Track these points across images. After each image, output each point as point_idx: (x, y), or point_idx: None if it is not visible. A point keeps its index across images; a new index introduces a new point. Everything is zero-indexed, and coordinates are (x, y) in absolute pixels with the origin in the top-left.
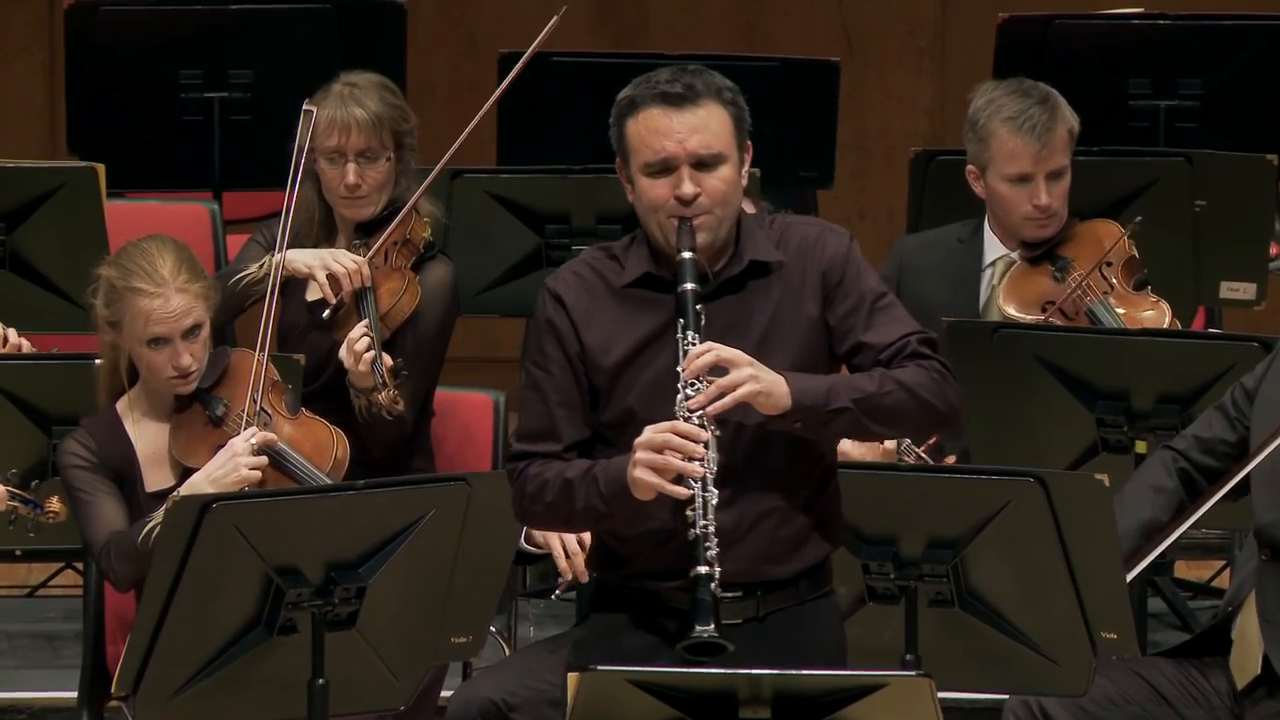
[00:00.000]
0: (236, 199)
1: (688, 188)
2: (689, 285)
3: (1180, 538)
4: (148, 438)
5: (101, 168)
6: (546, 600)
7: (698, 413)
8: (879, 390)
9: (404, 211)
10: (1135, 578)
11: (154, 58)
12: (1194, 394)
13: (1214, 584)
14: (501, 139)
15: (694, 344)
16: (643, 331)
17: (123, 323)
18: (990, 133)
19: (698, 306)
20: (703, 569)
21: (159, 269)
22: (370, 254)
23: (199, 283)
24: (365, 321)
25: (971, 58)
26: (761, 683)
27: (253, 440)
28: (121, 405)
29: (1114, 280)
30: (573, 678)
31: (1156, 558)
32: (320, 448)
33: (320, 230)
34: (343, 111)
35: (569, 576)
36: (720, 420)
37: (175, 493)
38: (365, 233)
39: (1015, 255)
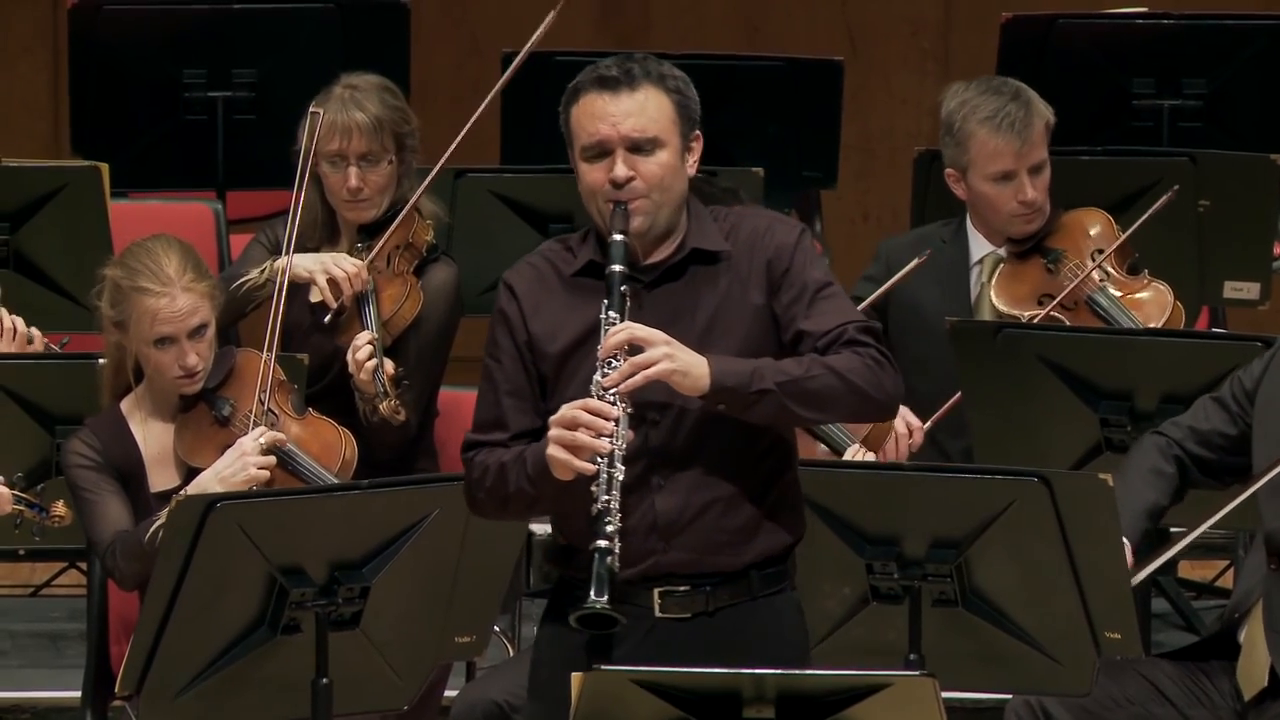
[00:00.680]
0: (240, 198)
1: (620, 170)
2: (616, 267)
3: (1180, 535)
4: (153, 438)
5: (105, 167)
6: None
7: (611, 390)
8: (805, 374)
9: (403, 213)
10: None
11: (157, 57)
12: (1198, 393)
13: (1218, 584)
14: (505, 139)
15: (615, 324)
16: (588, 320)
17: (129, 322)
18: (969, 134)
19: (623, 288)
20: (602, 543)
21: (165, 268)
22: (371, 257)
23: (204, 282)
24: (368, 330)
25: (975, 58)
26: (765, 682)
27: (261, 440)
28: (126, 405)
29: (1109, 267)
30: (577, 677)
31: (1162, 564)
32: (328, 448)
33: (323, 232)
34: (344, 115)
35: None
36: (661, 406)
37: (182, 492)
38: (368, 235)
39: (1001, 252)
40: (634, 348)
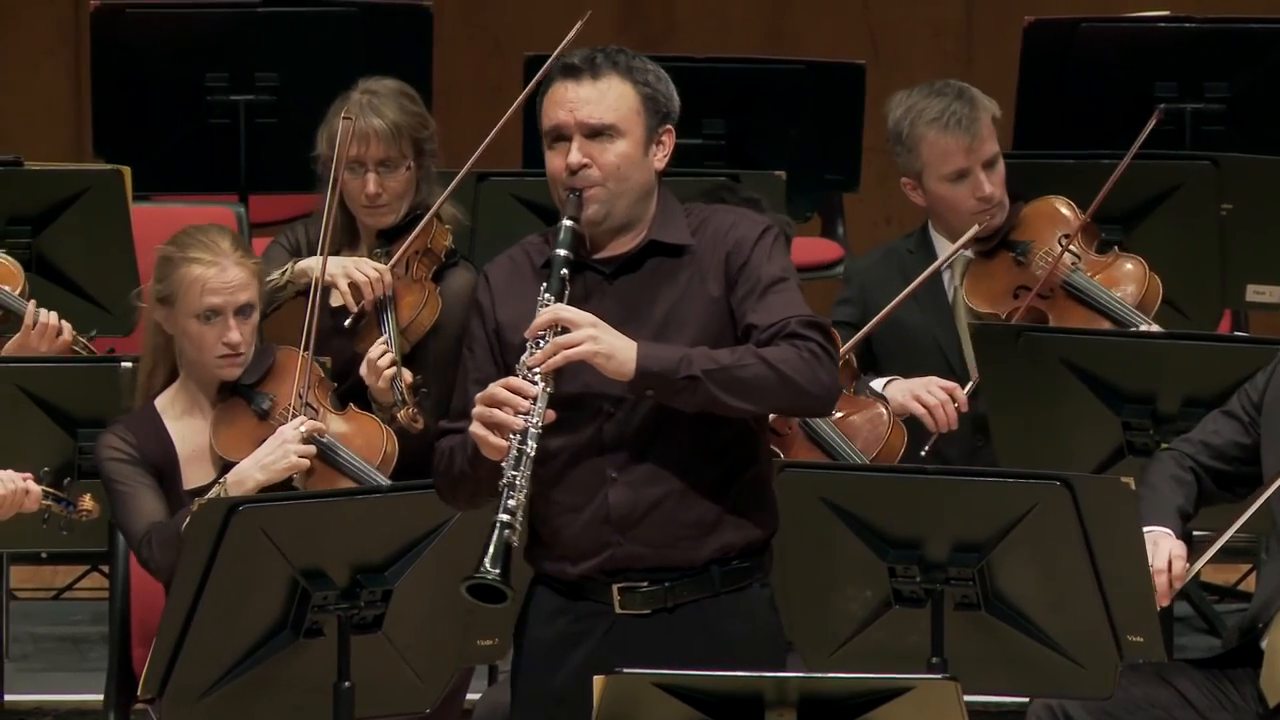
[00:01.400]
0: (262, 202)
1: (574, 156)
2: (561, 251)
3: (1207, 541)
4: (187, 434)
5: (127, 170)
6: None
7: (532, 369)
8: (735, 362)
9: (424, 220)
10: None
11: (180, 60)
12: (1220, 397)
13: (1240, 587)
14: (527, 142)
15: (548, 305)
16: None
17: (176, 294)
18: (918, 138)
19: (564, 272)
20: (504, 516)
21: (218, 243)
22: (391, 263)
23: (254, 262)
24: (385, 337)
25: (998, 61)
26: (787, 685)
27: (302, 428)
28: (160, 402)
29: (1077, 249)
30: (598, 680)
31: (1190, 550)
32: (370, 442)
33: (343, 237)
34: (361, 121)
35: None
36: (617, 399)
37: (222, 479)
38: (387, 240)
39: (969, 253)
40: (563, 329)
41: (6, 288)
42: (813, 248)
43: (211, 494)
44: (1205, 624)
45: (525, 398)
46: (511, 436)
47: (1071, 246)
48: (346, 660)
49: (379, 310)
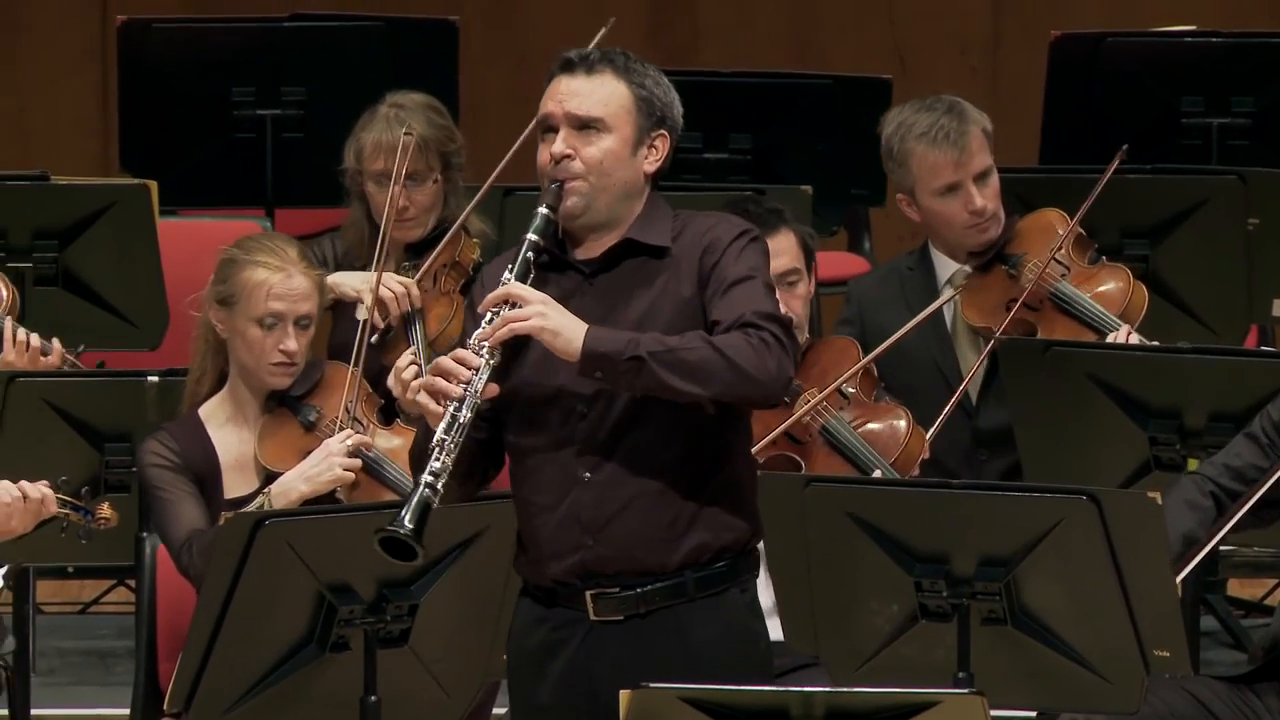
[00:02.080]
0: (289, 216)
1: (557, 146)
2: (530, 236)
3: (1233, 556)
4: (230, 444)
5: (154, 185)
6: None
7: (479, 341)
8: (681, 345)
9: (451, 233)
10: (1187, 595)
11: (207, 75)
12: (1247, 412)
13: (1266, 601)
14: None
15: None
16: None
17: (237, 296)
18: (908, 153)
19: (530, 255)
20: (427, 476)
21: (286, 250)
22: (419, 276)
23: (318, 274)
24: (413, 349)
25: (1024, 76)
26: (813, 700)
27: (348, 442)
28: (204, 411)
29: (1064, 260)
30: (625, 695)
31: (1203, 559)
32: None
33: (370, 251)
34: (389, 135)
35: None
36: (590, 399)
37: (266, 490)
38: (415, 253)
39: (966, 268)
40: (515, 305)
41: None
42: (839, 262)
43: (255, 504)
44: (1231, 639)
45: (468, 368)
46: (449, 403)
47: (1060, 257)
48: (373, 674)
49: (407, 323)
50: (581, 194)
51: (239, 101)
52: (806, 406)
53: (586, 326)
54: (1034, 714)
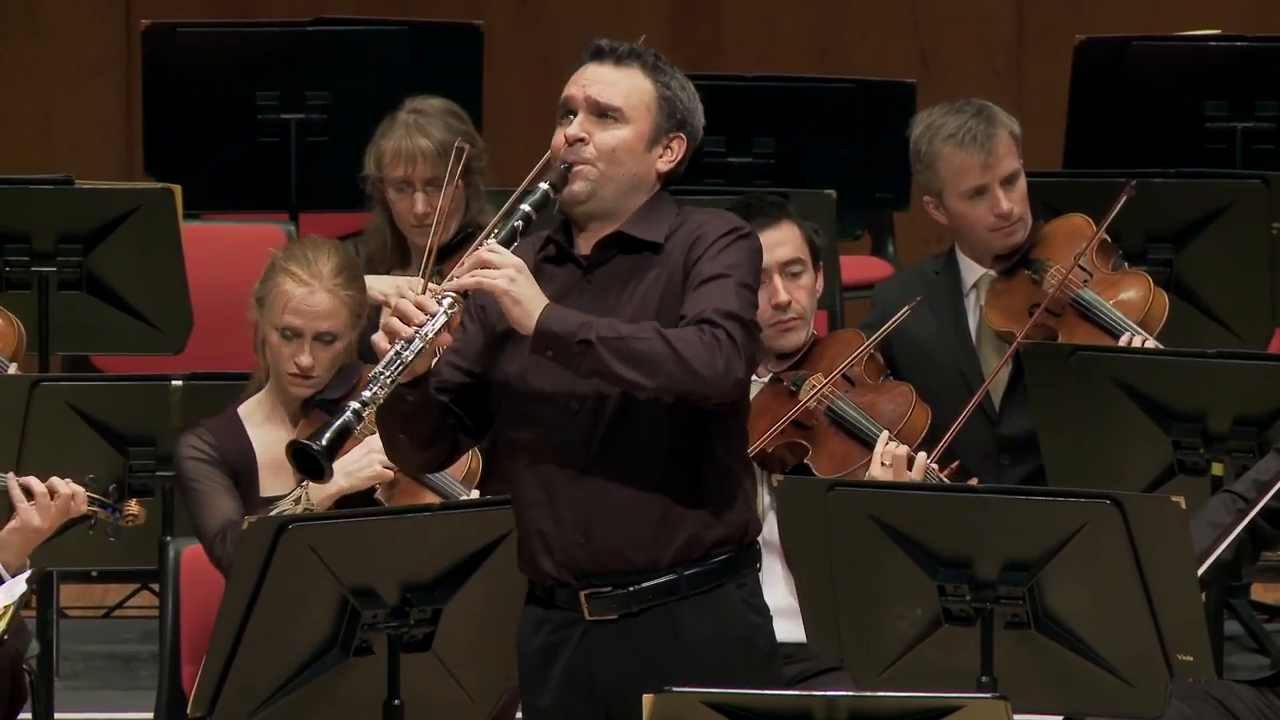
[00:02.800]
0: (313, 220)
1: (573, 128)
2: (524, 206)
3: (1260, 562)
4: (268, 442)
5: (178, 189)
6: None
7: (444, 289)
8: (633, 334)
9: (480, 240)
10: (1211, 600)
11: (231, 79)
12: (1271, 416)
13: None
14: None
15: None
16: None
17: (267, 299)
18: (935, 156)
19: (517, 223)
20: (355, 404)
21: (318, 263)
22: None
23: (352, 292)
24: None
25: (1048, 80)
26: (838, 704)
27: None
28: (244, 409)
29: (1087, 266)
30: (648, 699)
31: (1223, 553)
32: None
33: (393, 256)
34: (408, 142)
35: None
36: (581, 397)
37: (306, 480)
38: (439, 259)
39: (992, 272)
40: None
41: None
42: (863, 266)
43: (292, 496)
44: (1255, 643)
45: (425, 312)
46: (397, 341)
47: (1083, 263)
48: (396, 679)
49: None
50: (589, 179)
51: (263, 106)
52: (813, 391)
53: (546, 303)
54: (1058, 718)
